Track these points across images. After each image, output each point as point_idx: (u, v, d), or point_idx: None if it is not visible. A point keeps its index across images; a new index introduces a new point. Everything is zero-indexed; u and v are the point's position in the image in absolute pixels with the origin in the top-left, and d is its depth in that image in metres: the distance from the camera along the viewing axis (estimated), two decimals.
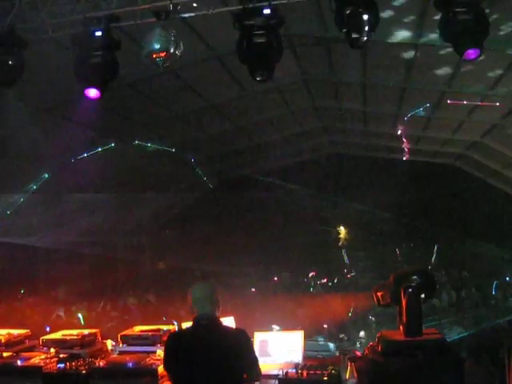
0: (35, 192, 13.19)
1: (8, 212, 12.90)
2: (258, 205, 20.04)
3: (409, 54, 10.67)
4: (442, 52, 9.93)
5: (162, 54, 6.90)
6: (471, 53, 6.27)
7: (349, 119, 16.37)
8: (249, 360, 4.58)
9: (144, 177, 15.61)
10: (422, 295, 5.50)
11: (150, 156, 14.94)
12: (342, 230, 22.43)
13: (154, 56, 6.91)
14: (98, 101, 9.26)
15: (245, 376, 4.55)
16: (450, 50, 6.73)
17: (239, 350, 4.50)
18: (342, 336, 12.21)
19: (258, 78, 6.75)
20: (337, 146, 20.16)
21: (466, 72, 10.80)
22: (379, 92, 13.36)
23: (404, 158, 17.63)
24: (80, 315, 13.73)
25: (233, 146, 17.24)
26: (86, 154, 13.14)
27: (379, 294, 5.84)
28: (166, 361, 4.65)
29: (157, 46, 6.83)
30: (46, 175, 13.22)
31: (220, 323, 4.64)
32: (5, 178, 11.56)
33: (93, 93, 7.11)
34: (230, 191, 19.63)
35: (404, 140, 15.79)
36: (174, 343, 4.66)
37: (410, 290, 5.42)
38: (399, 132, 14.70)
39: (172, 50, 6.88)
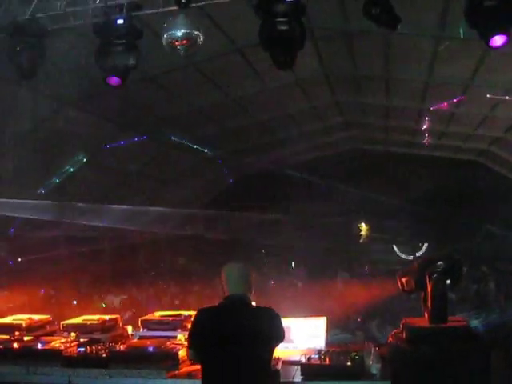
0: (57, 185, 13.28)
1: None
2: (278, 200, 19.93)
3: (432, 47, 10.53)
4: (466, 44, 9.77)
5: (184, 42, 6.88)
6: (497, 39, 6.14)
7: (371, 114, 16.24)
8: (278, 334, 4.52)
9: (165, 171, 15.65)
10: (448, 281, 5.41)
11: (170, 150, 14.97)
12: (364, 226, 22.20)
13: (176, 43, 6.89)
14: (120, 94, 9.38)
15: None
16: (474, 41, 6.61)
17: (269, 327, 4.44)
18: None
19: (279, 66, 6.73)
20: (358, 141, 20.00)
21: (490, 64, 10.63)
22: (402, 86, 13.23)
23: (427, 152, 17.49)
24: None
25: (253, 141, 17.18)
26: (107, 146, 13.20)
27: (404, 279, 5.74)
28: (192, 335, 4.56)
29: (179, 34, 6.80)
30: (71, 169, 13.32)
31: (250, 303, 4.58)
32: (28, 172, 11.64)
33: (114, 81, 7.11)
34: (250, 186, 19.54)
35: (426, 135, 15.67)
36: (203, 318, 4.55)
37: (436, 275, 5.34)
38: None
39: (194, 38, 6.87)
